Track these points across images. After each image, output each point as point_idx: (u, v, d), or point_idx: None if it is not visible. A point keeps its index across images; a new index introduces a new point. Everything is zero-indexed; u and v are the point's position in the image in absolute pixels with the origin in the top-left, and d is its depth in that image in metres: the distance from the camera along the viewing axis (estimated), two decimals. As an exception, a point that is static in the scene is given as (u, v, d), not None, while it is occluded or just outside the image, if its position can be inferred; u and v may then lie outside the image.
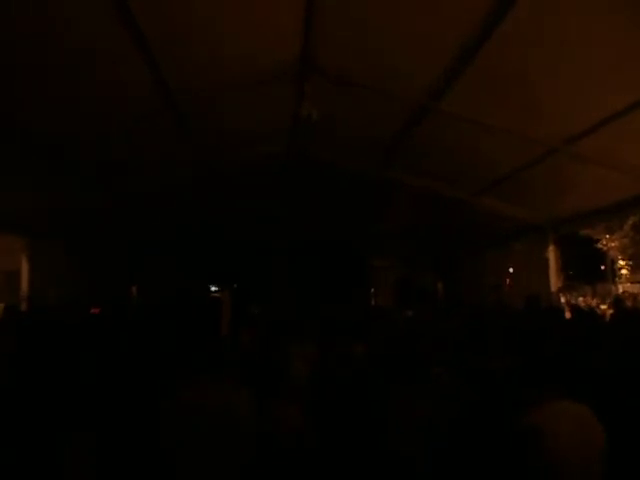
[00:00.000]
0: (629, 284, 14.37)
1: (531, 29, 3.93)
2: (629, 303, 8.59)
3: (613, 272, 15.50)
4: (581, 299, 9.90)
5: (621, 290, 13.65)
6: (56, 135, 5.28)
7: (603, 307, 10.89)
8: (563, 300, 8.65)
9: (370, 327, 6.68)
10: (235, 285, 13.56)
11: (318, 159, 7.92)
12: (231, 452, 2.66)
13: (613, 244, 14.10)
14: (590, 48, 4.05)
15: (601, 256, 15.53)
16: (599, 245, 14.56)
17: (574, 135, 5.35)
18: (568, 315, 6.80)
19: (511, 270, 9.87)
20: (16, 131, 5.01)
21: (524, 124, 5.35)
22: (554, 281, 8.65)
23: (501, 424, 2.89)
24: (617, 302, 8.15)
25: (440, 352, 4.76)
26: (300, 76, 5.35)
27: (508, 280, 9.86)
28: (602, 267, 16.42)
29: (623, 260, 14.68)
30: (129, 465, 3.05)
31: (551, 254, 8.72)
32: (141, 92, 4.99)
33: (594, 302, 10.85)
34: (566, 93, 4.72)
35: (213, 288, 13.73)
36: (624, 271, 14.84)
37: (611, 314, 7.74)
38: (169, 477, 2.64)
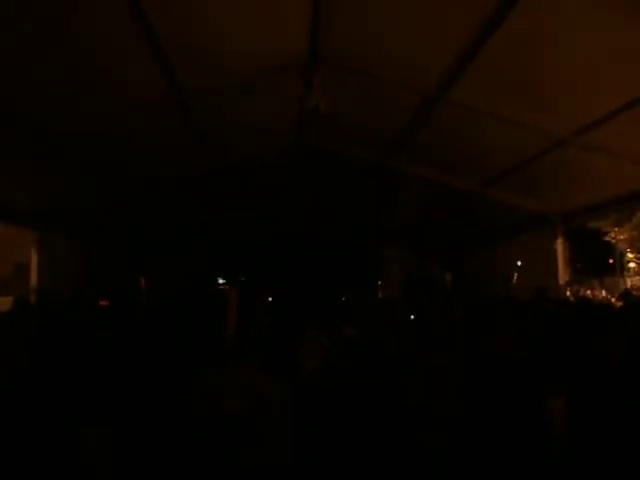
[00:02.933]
0: (637, 277, 14.25)
1: (541, 18, 3.90)
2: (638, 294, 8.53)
3: (621, 265, 15.38)
4: (589, 292, 9.84)
5: (630, 284, 13.55)
6: (63, 130, 5.31)
7: (612, 300, 10.83)
8: (569, 293, 8.62)
9: (374, 315, 6.70)
10: (242, 277, 13.63)
11: (326, 150, 7.92)
12: (262, 431, 2.74)
13: (622, 237, 13.98)
14: (601, 38, 4.02)
15: (609, 249, 15.40)
16: (607, 238, 14.44)
17: (584, 126, 5.32)
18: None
19: (519, 262, 9.83)
20: (27, 128, 5.06)
21: (533, 114, 5.32)
22: (562, 274, 8.63)
23: (513, 411, 2.90)
24: (625, 295, 8.11)
25: (445, 340, 4.76)
26: (308, 67, 5.34)
27: (516, 272, 9.82)
28: (610, 260, 16.29)
29: (632, 253, 14.54)
30: (146, 457, 3.08)
31: (560, 246, 8.69)
32: (147, 87, 5.00)
33: (603, 295, 10.78)
34: (576, 83, 4.69)
35: (221, 281, 13.79)
36: (632, 264, 14.70)
37: (619, 307, 7.70)
38: (196, 462, 2.70)
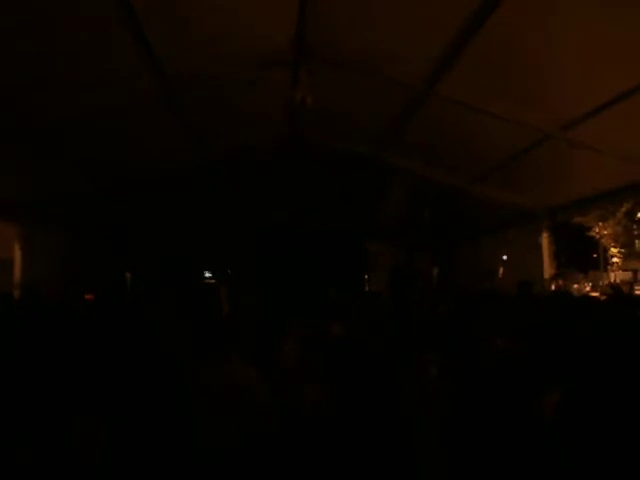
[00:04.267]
0: (620, 272, 14.46)
1: (528, 14, 3.91)
2: (625, 289, 8.66)
3: (605, 260, 15.58)
4: (576, 286, 9.96)
5: (613, 278, 13.73)
6: (48, 119, 5.24)
7: (595, 294, 10.96)
8: (554, 287, 8.71)
9: (357, 310, 6.69)
10: (229, 271, 13.60)
11: (314, 144, 7.91)
12: (246, 421, 2.77)
13: (606, 232, 14.15)
14: (588, 33, 4.04)
15: (594, 244, 15.61)
16: (592, 233, 14.59)
17: (570, 121, 5.34)
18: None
19: (505, 257, 9.91)
20: (9, 115, 4.97)
21: (520, 110, 5.35)
22: (547, 268, 8.71)
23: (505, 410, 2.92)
24: (614, 288, 8.24)
25: (431, 336, 4.77)
26: (295, 60, 5.32)
27: (502, 267, 9.90)
28: (594, 255, 16.50)
29: (615, 248, 14.74)
30: (140, 447, 3.07)
31: (545, 241, 8.77)
32: (133, 76, 4.94)
33: (587, 289, 10.94)
34: (563, 79, 4.70)
35: (207, 274, 13.75)
36: (616, 259, 14.91)
37: (604, 299, 7.80)
38: (185, 453, 2.71)
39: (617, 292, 7.42)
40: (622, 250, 14.89)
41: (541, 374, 2.96)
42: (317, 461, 3.16)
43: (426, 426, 3.30)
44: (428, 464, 3.17)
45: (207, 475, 2.76)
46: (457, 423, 3.22)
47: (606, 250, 15.18)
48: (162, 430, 2.92)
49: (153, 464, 2.94)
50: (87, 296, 7.94)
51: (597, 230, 14.14)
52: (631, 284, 8.94)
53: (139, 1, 3.80)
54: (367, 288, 14.31)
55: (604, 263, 15.74)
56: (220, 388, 2.84)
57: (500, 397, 3.15)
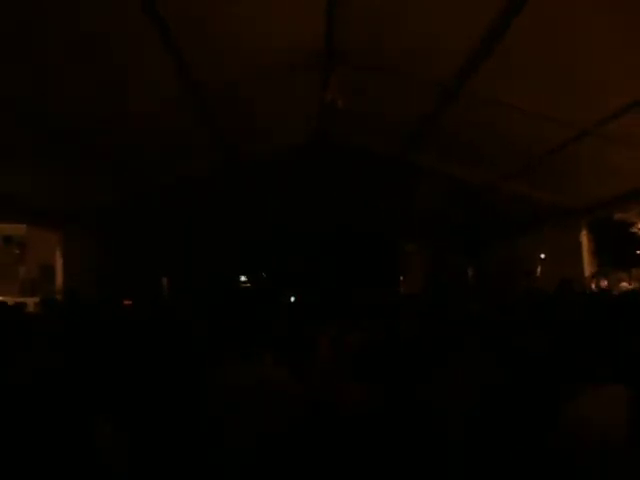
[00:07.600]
0: (665, 269, 13.93)
1: (562, 7, 3.83)
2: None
3: (649, 257, 15.04)
4: (624, 284, 9.59)
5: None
6: (85, 123, 5.37)
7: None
8: (594, 285, 8.48)
9: (400, 311, 6.64)
10: (264, 274, 13.72)
11: (346, 144, 7.93)
12: (277, 422, 2.80)
13: (649, 227, 13.69)
14: (623, 27, 3.94)
15: (636, 240, 15.11)
16: (634, 229, 14.15)
17: (606, 116, 5.22)
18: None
19: (543, 256, 9.69)
20: (48, 121, 5.12)
21: (555, 105, 5.24)
22: (587, 266, 8.50)
23: (538, 409, 2.84)
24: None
25: (469, 335, 4.71)
26: (325, 63, 5.34)
27: (540, 265, 9.69)
28: (638, 252, 15.97)
29: (660, 244, 14.24)
30: (162, 447, 3.11)
31: (584, 239, 8.56)
32: (163, 86, 5.06)
33: (631, 287, 10.56)
34: (599, 73, 4.60)
35: (243, 278, 13.88)
36: (660, 256, 14.39)
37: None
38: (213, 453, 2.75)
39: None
40: (667, 246, 14.32)
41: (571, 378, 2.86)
42: (349, 462, 3.15)
43: (458, 427, 3.25)
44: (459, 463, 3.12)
45: (235, 476, 2.78)
46: (486, 424, 3.17)
47: (650, 247, 14.63)
48: (190, 430, 2.96)
49: (179, 464, 2.98)
50: (125, 301, 8.11)
51: (639, 226, 13.67)
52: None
53: (170, 9, 3.87)
54: (401, 289, 14.19)
55: (648, 260, 15.16)
56: (251, 388, 2.87)
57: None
